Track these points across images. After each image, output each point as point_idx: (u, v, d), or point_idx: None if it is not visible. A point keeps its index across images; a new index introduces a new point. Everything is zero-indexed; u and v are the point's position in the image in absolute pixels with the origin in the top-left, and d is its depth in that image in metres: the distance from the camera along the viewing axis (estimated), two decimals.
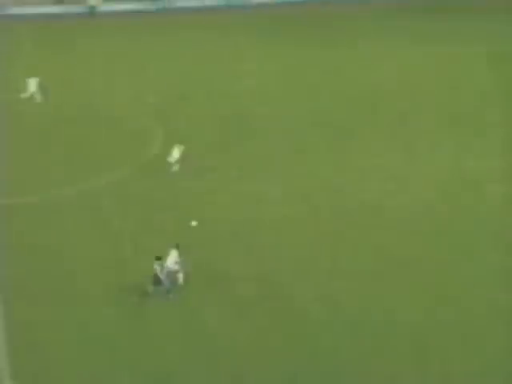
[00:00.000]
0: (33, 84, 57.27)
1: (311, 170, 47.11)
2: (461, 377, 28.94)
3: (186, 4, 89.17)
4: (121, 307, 33.13)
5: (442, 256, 37.08)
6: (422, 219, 40.79)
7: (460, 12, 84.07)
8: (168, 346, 30.57)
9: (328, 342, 30.73)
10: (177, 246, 33.97)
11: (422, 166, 47.76)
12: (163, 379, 29.04)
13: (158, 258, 33.36)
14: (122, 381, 29.00)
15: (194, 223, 37.46)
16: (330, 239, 38.73)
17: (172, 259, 33.63)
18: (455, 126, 54.73)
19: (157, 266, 33.22)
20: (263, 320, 32.16)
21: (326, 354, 30.01)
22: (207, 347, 30.46)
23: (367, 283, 34.71)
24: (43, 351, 30.36)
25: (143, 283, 33.91)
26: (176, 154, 45.85)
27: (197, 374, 29.20)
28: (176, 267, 33.65)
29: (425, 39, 74.98)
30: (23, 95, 56.80)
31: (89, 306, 33.14)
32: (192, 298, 33.73)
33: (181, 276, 33.90)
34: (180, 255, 33.92)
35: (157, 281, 33.30)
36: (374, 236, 38.99)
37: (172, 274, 33.62)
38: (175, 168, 45.79)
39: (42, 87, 57.13)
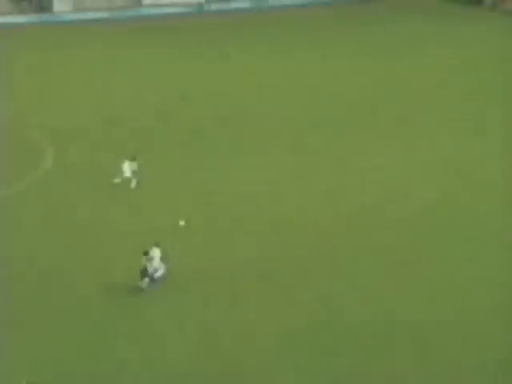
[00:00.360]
0: None
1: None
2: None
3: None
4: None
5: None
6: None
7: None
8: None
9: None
10: (157, 244, 34.39)
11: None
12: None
13: (146, 253, 33.91)
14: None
15: (181, 223, 37.43)
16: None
17: (157, 256, 34.10)
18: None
19: (145, 261, 33.72)
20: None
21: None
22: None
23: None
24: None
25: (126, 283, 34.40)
26: (127, 169, 43.75)
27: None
28: (159, 264, 34.24)
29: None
30: None
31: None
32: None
33: (161, 272, 34.27)
34: (162, 252, 34.31)
35: (145, 274, 33.74)
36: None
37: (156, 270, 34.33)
38: (132, 184, 43.84)
39: None
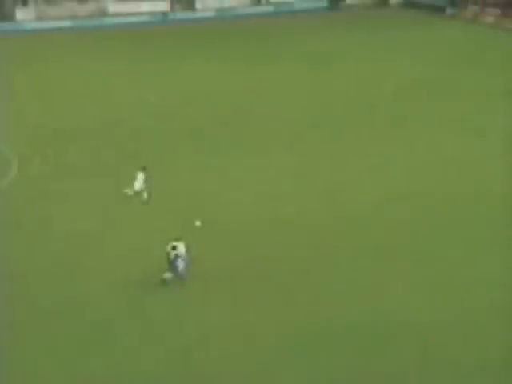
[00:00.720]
0: None
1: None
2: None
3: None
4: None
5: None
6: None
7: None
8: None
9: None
10: (179, 239, 34.56)
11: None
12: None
13: (175, 248, 34.21)
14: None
15: (198, 223, 37.48)
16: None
17: (182, 250, 34.38)
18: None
19: (173, 254, 34.09)
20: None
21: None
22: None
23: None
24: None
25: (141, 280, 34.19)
26: (139, 181, 42.05)
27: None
28: (185, 258, 34.56)
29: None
30: None
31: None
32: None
33: (186, 264, 34.59)
34: (186, 249, 34.51)
35: (174, 267, 34.16)
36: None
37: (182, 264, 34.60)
38: (143, 197, 42.22)
39: None
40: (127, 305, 33.19)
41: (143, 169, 42.61)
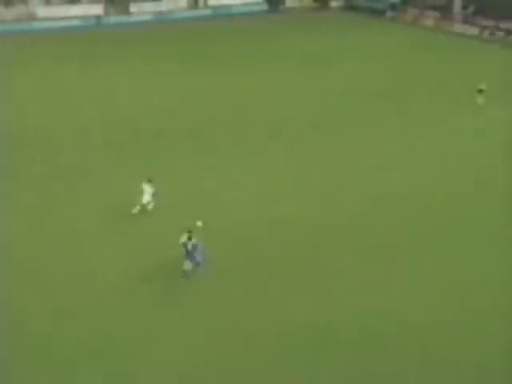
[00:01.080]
0: None
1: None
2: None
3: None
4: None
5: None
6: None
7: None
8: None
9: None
10: (190, 231, 34.87)
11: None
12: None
13: (190, 238, 34.60)
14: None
15: (199, 223, 37.62)
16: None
17: (195, 242, 34.90)
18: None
19: (189, 243, 34.48)
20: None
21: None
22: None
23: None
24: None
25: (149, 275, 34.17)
26: (147, 193, 41.03)
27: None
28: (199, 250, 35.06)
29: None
30: None
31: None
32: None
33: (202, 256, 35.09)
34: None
35: (191, 257, 34.61)
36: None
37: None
38: (149, 207, 41.33)
39: None
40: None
41: (149, 181, 41.23)
